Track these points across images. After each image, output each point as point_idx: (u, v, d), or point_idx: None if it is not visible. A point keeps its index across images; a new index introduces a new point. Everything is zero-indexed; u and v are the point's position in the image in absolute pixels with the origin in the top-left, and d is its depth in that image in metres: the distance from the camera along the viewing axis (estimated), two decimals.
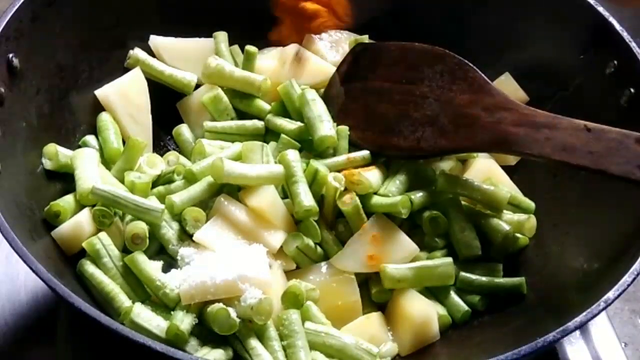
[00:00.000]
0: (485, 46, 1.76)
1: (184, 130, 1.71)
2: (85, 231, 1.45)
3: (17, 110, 1.48)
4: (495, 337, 1.46)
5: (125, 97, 1.69)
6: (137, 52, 1.74)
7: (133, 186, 1.50)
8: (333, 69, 1.74)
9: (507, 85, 1.73)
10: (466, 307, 1.54)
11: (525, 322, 1.47)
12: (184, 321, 1.35)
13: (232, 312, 1.36)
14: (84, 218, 1.46)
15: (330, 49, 1.81)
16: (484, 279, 1.56)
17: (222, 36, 1.82)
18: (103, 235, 1.44)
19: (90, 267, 1.41)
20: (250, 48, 1.77)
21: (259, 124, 1.70)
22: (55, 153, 1.54)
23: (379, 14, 1.86)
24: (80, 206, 1.48)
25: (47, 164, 1.54)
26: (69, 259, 1.44)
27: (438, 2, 1.83)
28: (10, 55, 1.47)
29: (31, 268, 1.24)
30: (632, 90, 1.53)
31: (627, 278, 1.30)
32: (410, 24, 1.82)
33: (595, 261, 1.46)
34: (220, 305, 1.36)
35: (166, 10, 1.78)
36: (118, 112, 1.67)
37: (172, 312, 1.38)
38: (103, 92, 1.68)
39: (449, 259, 1.53)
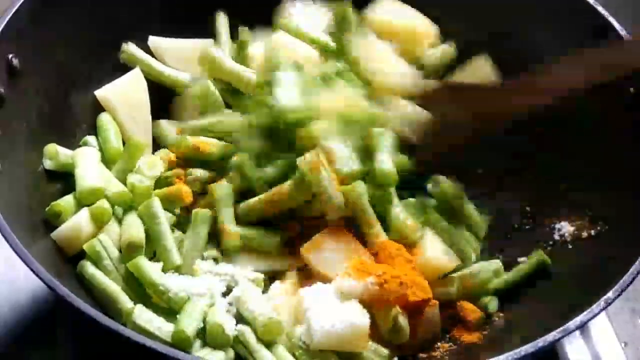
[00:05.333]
0: (484, 46, 1.76)
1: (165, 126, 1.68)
2: (84, 232, 1.45)
3: (17, 110, 1.48)
4: (495, 337, 1.47)
5: (125, 97, 1.68)
6: (131, 47, 1.72)
7: (133, 188, 1.50)
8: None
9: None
10: (480, 312, 1.52)
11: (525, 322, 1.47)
12: (191, 326, 1.35)
13: (228, 328, 1.36)
14: (83, 218, 1.45)
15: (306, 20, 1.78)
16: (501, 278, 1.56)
17: (222, 19, 1.80)
18: (104, 237, 1.43)
19: (91, 269, 1.41)
20: (244, 33, 1.74)
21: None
22: (56, 153, 1.54)
23: None
24: (80, 206, 1.48)
25: (48, 163, 1.53)
26: (69, 259, 1.44)
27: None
28: (10, 56, 1.47)
29: (31, 268, 1.24)
30: (631, 90, 1.53)
31: (627, 278, 1.30)
32: None
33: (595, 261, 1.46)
34: (216, 320, 1.37)
35: (166, 10, 1.77)
36: (118, 113, 1.66)
37: (177, 316, 1.37)
38: (103, 93, 1.68)
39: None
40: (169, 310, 1.39)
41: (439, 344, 1.49)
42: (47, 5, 1.55)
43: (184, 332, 1.33)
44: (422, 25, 1.77)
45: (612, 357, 1.60)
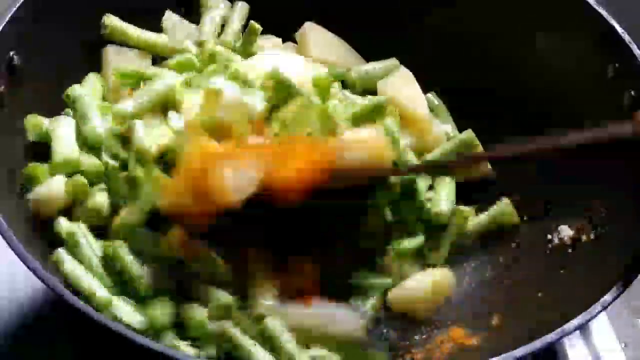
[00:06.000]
0: (481, 49, 1.76)
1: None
2: (59, 197, 1.44)
3: (18, 109, 1.48)
4: (493, 338, 1.47)
5: (126, 60, 1.66)
6: (113, 19, 1.68)
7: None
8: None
9: None
10: None
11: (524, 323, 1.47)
12: (164, 314, 1.36)
13: (211, 323, 1.37)
14: (59, 184, 1.45)
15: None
16: None
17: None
18: (82, 225, 1.42)
19: (66, 259, 1.39)
20: (254, 24, 1.73)
21: None
22: (38, 123, 1.51)
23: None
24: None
25: (29, 134, 1.51)
26: None
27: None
28: (11, 53, 1.47)
29: (29, 267, 1.24)
30: (632, 92, 1.52)
31: (625, 281, 1.30)
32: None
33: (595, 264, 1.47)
34: (199, 314, 1.37)
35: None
36: (110, 68, 1.65)
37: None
38: (109, 48, 1.67)
39: None
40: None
41: (437, 344, 1.49)
42: (48, 3, 1.55)
43: (157, 321, 1.35)
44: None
45: (612, 357, 1.60)
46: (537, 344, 1.25)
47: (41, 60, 1.54)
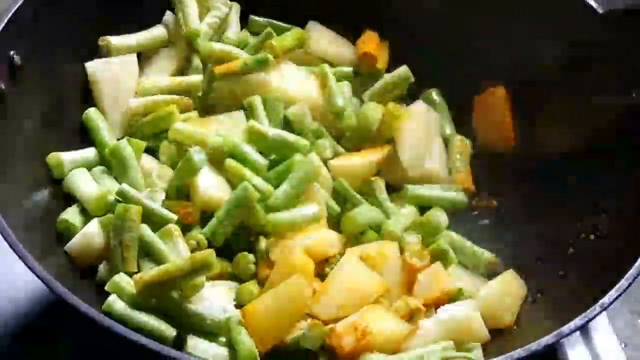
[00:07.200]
0: (482, 52, 1.76)
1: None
2: (96, 242, 1.44)
3: (19, 108, 1.49)
4: (492, 339, 1.47)
5: (113, 76, 1.65)
6: (108, 40, 1.68)
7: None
8: None
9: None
10: None
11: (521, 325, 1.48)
12: (249, 343, 1.35)
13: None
14: (94, 229, 1.44)
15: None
16: None
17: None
18: (122, 276, 1.39)
19: (119, 305, 1.36)
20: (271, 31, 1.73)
21: None
22: (59, 161, 1.52)
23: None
24: (87, 216, 1.48)
25: (55, 173, 1.53)
26: (67, 257, 1.44)
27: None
28: (12, 52, 1.48)
29: (29, 266, 1.25)
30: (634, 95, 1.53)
31: (623, 283, 1.31)
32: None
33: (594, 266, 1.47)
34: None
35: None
36: (101, 88, 1.64)
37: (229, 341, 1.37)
38: (93, 65, 1.65)
39: None
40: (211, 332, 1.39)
41: None
42: (48, 2, 1.55)
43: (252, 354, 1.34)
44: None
45: (612, 357, 1.59)
46: (537, 345, 1.25)
47: (41, 59, 1.54)
